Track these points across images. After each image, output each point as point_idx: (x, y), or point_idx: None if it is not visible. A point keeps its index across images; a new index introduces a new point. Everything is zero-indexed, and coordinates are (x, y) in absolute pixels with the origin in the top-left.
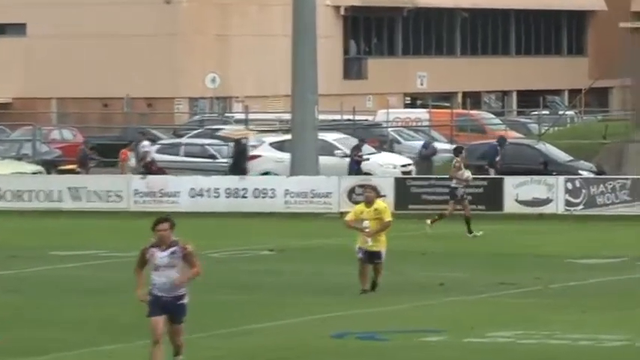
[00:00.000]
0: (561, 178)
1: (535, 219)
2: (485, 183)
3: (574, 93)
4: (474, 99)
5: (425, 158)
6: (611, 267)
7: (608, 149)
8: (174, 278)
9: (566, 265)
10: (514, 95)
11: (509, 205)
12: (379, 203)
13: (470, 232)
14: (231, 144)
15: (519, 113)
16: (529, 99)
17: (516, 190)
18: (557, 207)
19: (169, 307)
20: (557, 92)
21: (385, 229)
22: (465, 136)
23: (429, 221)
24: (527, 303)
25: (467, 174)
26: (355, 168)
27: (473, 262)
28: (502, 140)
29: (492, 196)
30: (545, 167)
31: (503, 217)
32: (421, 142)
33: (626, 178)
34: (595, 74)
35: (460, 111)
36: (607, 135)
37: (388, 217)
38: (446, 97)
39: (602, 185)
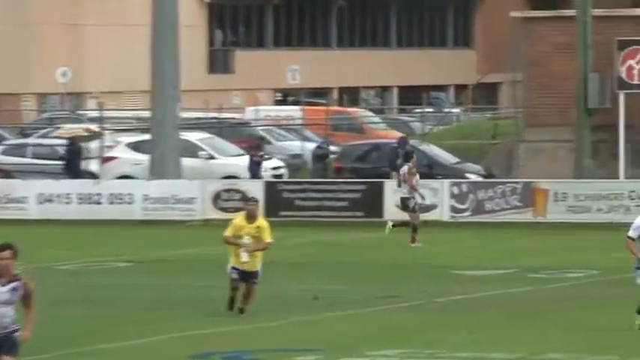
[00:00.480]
0: (447, 182)
1: (420, 227)
2: (363, 187)
3: (461, 89)
4: (351, 95)
5: (320, 159)
6: (501, 279)
7: (497, 150)
8: (11, 319)
9: (452, 277)
10: (395, 91)
11: (390, 212)
12: (261, 221)
13: (413, 241)
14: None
15: (401, 111)
16: (411, 95)
17: (397, 195)
18: (443, 213)
19: (1, 342)
20: (442, 88)
21: (263, 251)
22: (341, 136)
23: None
24: (411, 318)
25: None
26: (255, 170)
27: (352, 273)
28: (403, 141)
29: (371, 202)
30: (430, 170)
31: (383, 225)
32: (294, 142)
33: (517, 182)
34: (483, 68)
35: (336, 108)
36: (496, 134)
37: (269, 238)
38: (320, 93)
39: (490, 189)
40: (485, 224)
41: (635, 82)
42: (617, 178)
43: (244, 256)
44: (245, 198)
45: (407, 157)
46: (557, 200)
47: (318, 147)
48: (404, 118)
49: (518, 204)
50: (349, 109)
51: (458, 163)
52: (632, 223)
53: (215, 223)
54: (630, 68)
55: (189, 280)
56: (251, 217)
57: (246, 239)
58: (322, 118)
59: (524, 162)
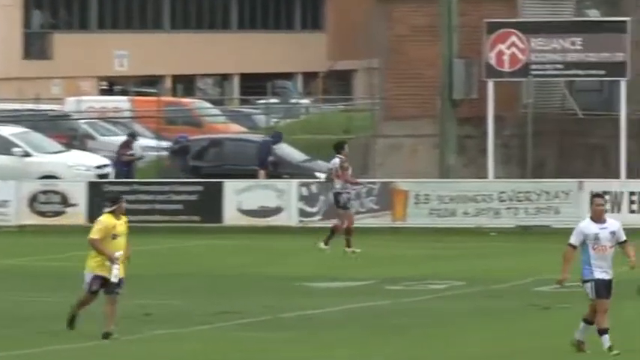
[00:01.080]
0: (294, 183)
1: (263, 232)
2: (200, 189)
3: (310, 77)
4: (186, 84)
5: (178, 154)
6: (356, 291)
7: (351, 146)
8: None
9: (300, 290)
10: (236, 80)
11: (231, 216)
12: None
13: (349, 246)
14: None
15: (242, 102)
16: (255, 84)
17: (239, 196)
18: (290, 217)
19: None
20: (289, 76)
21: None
22: (176, 130)
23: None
24: (254, 337)
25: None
26: (124, 170)
27: (188, 285)
28: (277, 136)
29: (209, 205)
30: (275, 169)
31: (223, 230)
32: (121, 137)
33: (374, 182)
34: (335, 54)
35: (170, 99)
36: (350, 129)
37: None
38: (152, 82)
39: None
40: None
41: (506, 69)
42: (486, 177)
43: (115, 275)
44: (112, 198)
45: (338, 149)
46: (418, 202)
47: (176, 141)
48: (246, 110)
49: (375, 207)
50: (184, 100)
51: (307, 160)
52: (500, 227)
53: (32, 229)
54: (500, 54)
55: (2, 295)
56: (122, 213)
57: (118, 254)
58: (154, 110)
59: (382, 159)
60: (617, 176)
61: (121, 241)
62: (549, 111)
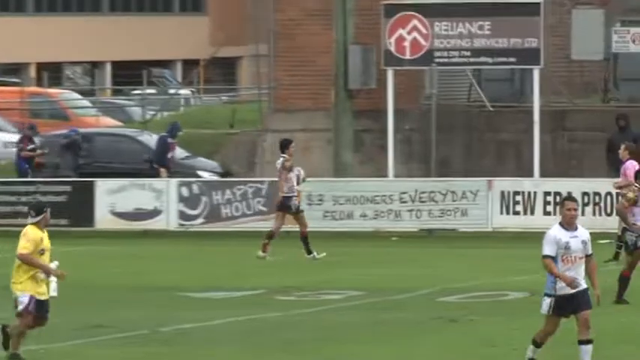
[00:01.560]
0: (174, 182)
1: (138, 237)
2: (68, 189)
3: (190, 65)
4: (52, 73)
5: (68, 150)
6: (242, 302)
7: (237, 142)
8: None
9: (180, 301)
10: (108, 68)
11: (102, 219)
12: None
13: (309, 252)
14: None
15: (115, 92)
16: (128, 73)
17: (111, 197)
18: (169, 221)
19: None
20: (167, 64)
21: None
22: (42, 124)
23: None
24: (130, 353)
25: (302, 174)
26: (25, 167)
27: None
28: (174, 128)
29: (78, 207)
30: (152, 166)
31: (94, 235)
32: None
33: (262, 182)
34: (218, 39)
35: (34, 89)
36: (235, 122)
37: None
38: (14, 70)
39: (228, 191)
40: (222, 234)
41: (407, 56)
42: (386, 176)
43: (54, 289)
44: (36, 208)
45: (282, 148)
46: (311, 204)
47: (66, 136)
48: (120, 101)
49: (264, 209)
50: (50, 91)
51: (187, 157)
52: (402, 231)
53: None
54: (400, 39)
55: None
56: (45, 226)
57: (54, 264)
58: (17, 102)
59: (271, 156)
60: (530, 175)
61: (48, 256)
62: (455, 103)
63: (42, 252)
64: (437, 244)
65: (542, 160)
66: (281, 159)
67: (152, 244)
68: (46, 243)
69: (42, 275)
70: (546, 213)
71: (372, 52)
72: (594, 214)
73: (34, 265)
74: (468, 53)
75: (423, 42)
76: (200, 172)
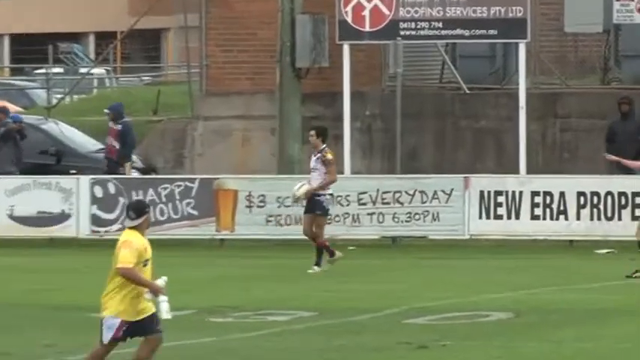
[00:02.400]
0: (85, 180)
1: (43, 246)
2: None
3: (105, 39)
4: None
5: (6, 140)
6: (168, 325)
7: (161, 131)
8: None
9: (94, 324)
10: (6, 42)
11: (0, 224)
12: None
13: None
14: None
15: (15, 72)
16: (31, 49)
17: (9, 199)
18: (79, 227)
19: None
20: (76, 37)
21: None
22: None
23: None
24: None
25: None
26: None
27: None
28: (115, 108)
29: None
30: (59, 161)
31: None
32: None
33: (192, 179)
34: (137, 8)
35: None
36: (160, 108)
37: None
38: None
39: (152, 190)
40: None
41: (367, 28)
42: (341, 172)
43: (167, 310)
44: (137, 207)
45: (325, 136)
46: (251, 206)
47: (3, 124)
48: (20, 82)
49: (194, 212)
50: None
51: (101, 150)
52: (361, 239)
53: None
54: (359, 8)
55: None
56: (145, 229)
57: (162, 280)
58: None
59: (203, 149)
60: (515, 171)
61: (150, 268)
62: (425, 85)
63: (145, 264)
64: (403, 255)
65: (530, 154)
66: (324, 148)
67: (59, 255)
68: (150, 252)
69: (148, 295)
70: (534, 217)
71: (324, 24)
72: (592, 217)
73: (138, 282)
74: (440, 25)
75: (385, 11)
76: (121, 169)
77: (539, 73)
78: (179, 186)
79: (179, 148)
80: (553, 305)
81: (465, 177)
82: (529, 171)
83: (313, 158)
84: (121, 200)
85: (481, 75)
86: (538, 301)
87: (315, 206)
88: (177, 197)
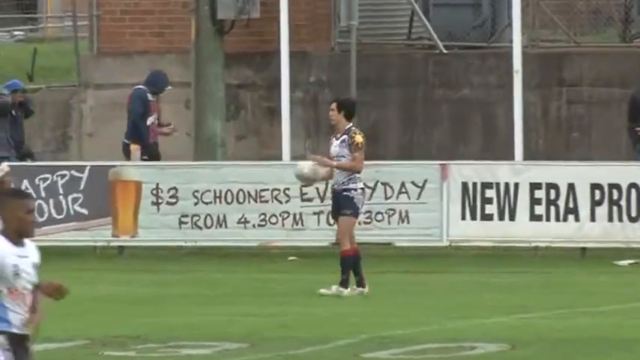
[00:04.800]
0: None
1: None
2: None
3: None
4: None
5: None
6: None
7: (40, 104)
8: None
9: None
10: None
11: None
12: None
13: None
14: None
15: None
16: None
17: None
18: None
19: None
20: None
21: None
22: None
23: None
24: None
25: None
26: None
27: None
28: (159, 78)
29: None
30: None
31: None
32: None
33: (80, 167)
34: None
35: None
36: (36, 73)
37: None
38: None
39: (26, 182)
40: None
41: None
42: (279, 159)
43: None
44: None
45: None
46: (159, 203)
47: None
48: None
49: (83, 211)
50: None
51: None
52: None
53: None
54: None
55: None
56: None
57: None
58: None
59: (94, 127)
60: (508, 156)
61: None
62: (388, 42)
63: None
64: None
65: (527, 133)
66: (351, 128)
67: None
68: None
69: None
70: (534, 217)
71: None
72: (610, 218)
73: None
74: None
75: None
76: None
77: (539, 26)
78: (63, 176)
79: (62, 126)
80: (559, 334)
81: (442, 164)
82: (527, 156)
83: (334, 142)
84: None
85: (462, 29)
86: (539, 329)
87: (343, 203)
88: (61, 191)
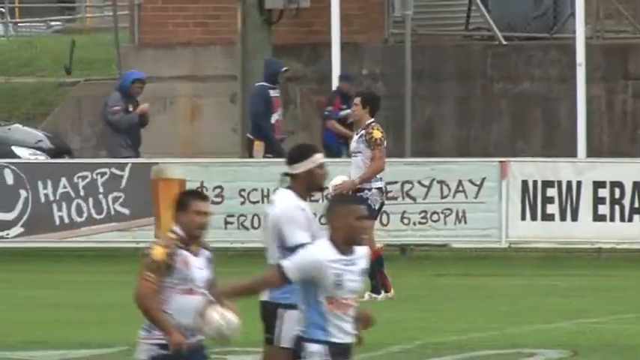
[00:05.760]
0: None
1: None
2: None
3: None
4: None
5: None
6: None
7: (77, 98)
8: None
9: None
10: None
11: None
12: None
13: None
14: None
15: None
16: None
17: None
18: None
19: None
20: None
21: None
22: None
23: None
24: None
25: None
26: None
27: None
28: (274, 66)
29: None
30: None
31: None
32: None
33: (121, 165)
34: None
35: None
36: (75, 66)
37: None
38: None
39: (65, 180)
40: (54, 253)
41: None
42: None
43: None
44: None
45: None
46: None
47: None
48: None
49: (124, 211)
50: None
51: None
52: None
53: None
54: None
55: None
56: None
57: None
58: None
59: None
60: (570, 153)
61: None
62: (445, 33)
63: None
64: (415, 270)
65: (591, 129)
66: (371, 123)
67: None
68: None
69: None
70: (598, 217)
71: None
72: None
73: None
74: None
75: None
76: (16, 149)
77: (603, 16)
78: (103, 174)
79: (102, 121)
80: (624, 340)
81: (502, 162)
82: (590, 153)
83: (355, 137)
84: (23, 194)
85: (523, 20)
86: (603, 335)
87: None
88: (101, 190)
